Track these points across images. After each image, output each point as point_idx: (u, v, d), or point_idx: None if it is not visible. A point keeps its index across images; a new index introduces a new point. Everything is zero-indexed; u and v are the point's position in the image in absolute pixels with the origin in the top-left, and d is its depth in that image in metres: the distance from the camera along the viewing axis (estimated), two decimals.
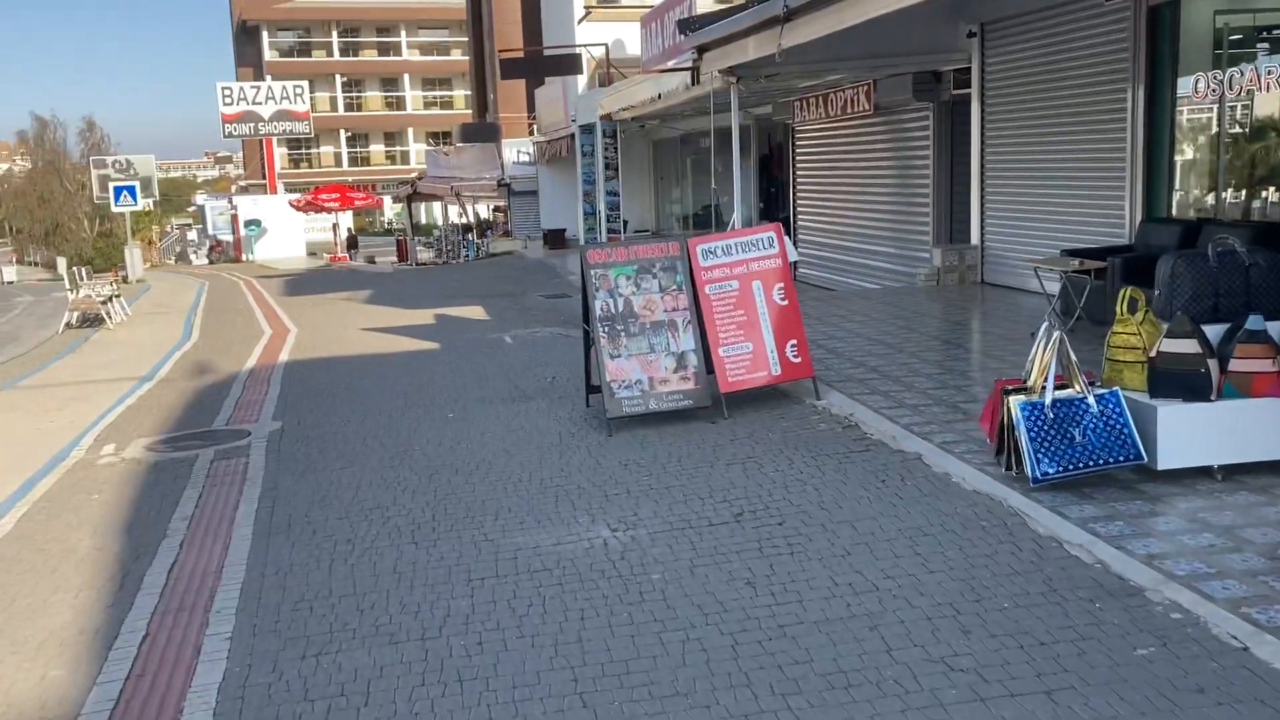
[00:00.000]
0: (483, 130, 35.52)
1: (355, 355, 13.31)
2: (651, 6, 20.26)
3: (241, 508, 6.77)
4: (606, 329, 8.07)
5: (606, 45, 22.62)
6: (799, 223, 21.08)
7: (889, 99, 16.06)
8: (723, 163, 27.90)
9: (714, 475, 6.73)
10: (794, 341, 8.25)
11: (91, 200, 69.37)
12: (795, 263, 7.94)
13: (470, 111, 73.80)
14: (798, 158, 20.75)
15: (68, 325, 19.45)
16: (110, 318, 19.47)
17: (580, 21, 28.60)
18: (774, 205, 24.48)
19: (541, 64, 25.66)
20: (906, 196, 16.16)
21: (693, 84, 14.55)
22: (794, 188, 21.30)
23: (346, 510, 6.55)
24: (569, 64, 23.92)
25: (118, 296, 21.20)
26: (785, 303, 8.28)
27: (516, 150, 34.09)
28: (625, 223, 29.02)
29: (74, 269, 20.47)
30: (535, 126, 31.84)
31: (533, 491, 6.68)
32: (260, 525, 6.39)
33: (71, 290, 19.22)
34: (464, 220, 40.76)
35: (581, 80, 28.24)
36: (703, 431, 7.81)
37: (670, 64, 13.86)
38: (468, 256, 35.00)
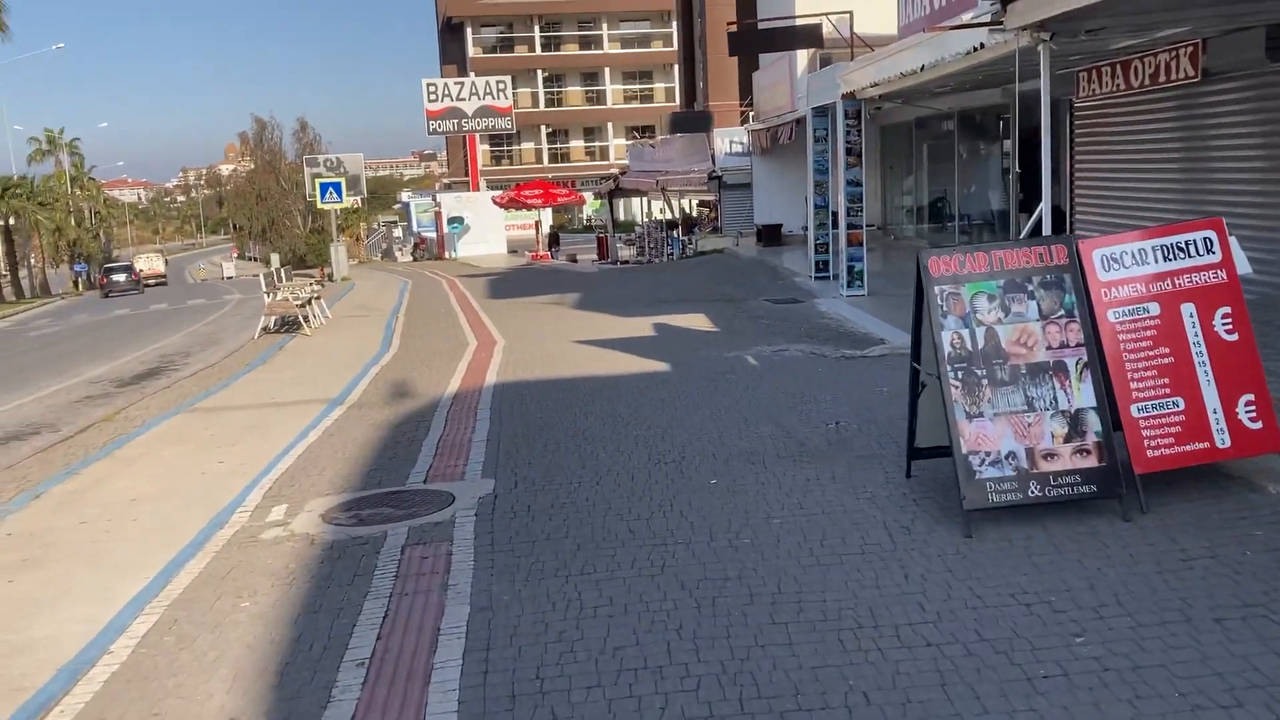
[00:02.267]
0: (693, 119, 33.24)
1: (572, 378, 11.15)
2: None
3: (442, 649, 4.53)
4: (960, 374, 5.48)
5: (850, 13, 19.83)
6: (1077, 218, 17.81)
7: (1225, 61, 12.73)
8: (968, 148, 24.77)
9: (1203, 638, 4.06)
10: (1250, 397, 5.44)
11: (304, 198, 71.38)
12: (1245, 276, 5.11)
13: (672, 104, 72.11)
14: (1078, 139, 17.46)
15: (264, 330, 18.23)
16: (308, 322, 18.14)
17: (785, 18, 25.94)
18: (1035, 194, 21.19)
19: (774, 37, 23.04)
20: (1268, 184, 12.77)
21: (978, 47, 11.68)
22: (1071, 175, 18.03)
23: (598, 672, 4.22)
24: (807, 35, 21.22)
25: (317, 298, 19.95)
26: (1234, 338, 5.47)
27: (728, 140, 31.65)
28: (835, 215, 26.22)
29: (272, 271, 19.30)
30: (751, 114, 29.32)
31: (892, 656, 4.17)
32: (469, 694, 4.14)
33: (269, 293, 17.97)
34: (668, 216, 38.73)
35: (801, 61, 25.56)
36: (1120, 537, 5.13)
37: (963, 18, 11.10)
38: (673, 254, 32.88)
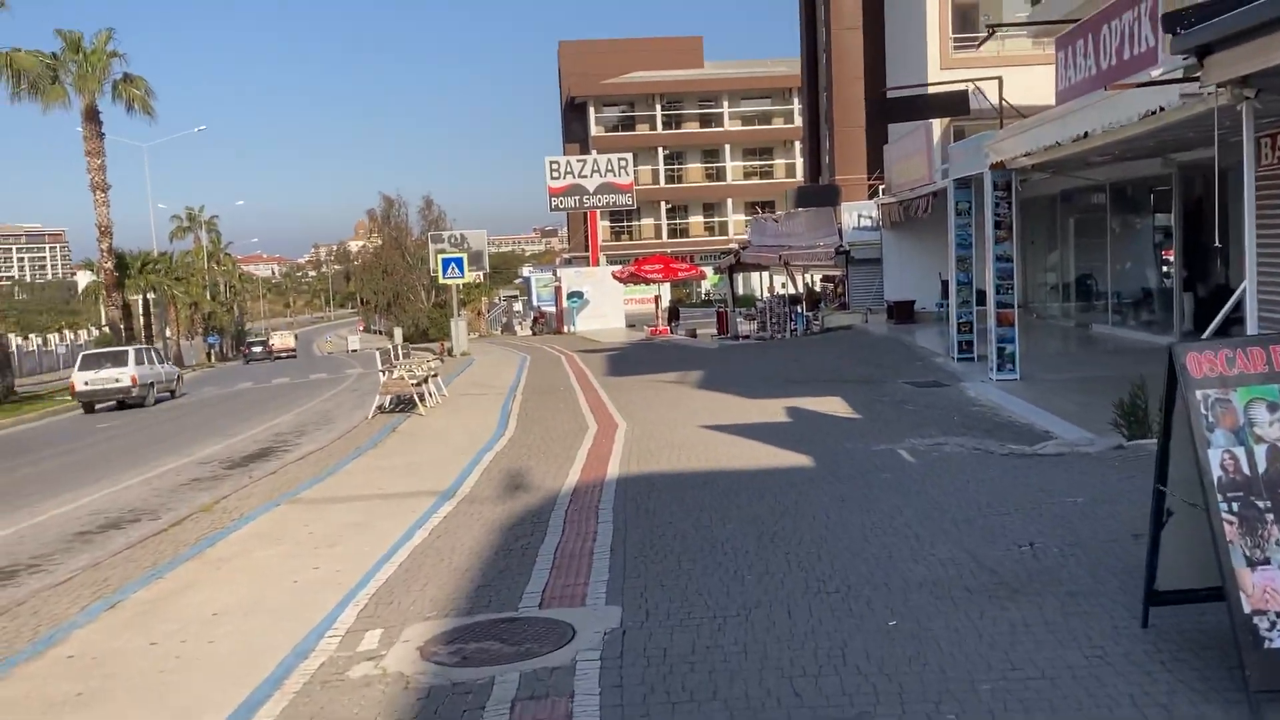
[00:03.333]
0: (820, 193, 32.24)
1: (703, 472, 10.03)
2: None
3: None
4: (1236, 506, 4.19)
5: (1000, 78, 18.59)
6: (1262, 298, 16.07)
7: None
8: (1121, 222, 23.08)
9: None
10: None
11: (428, 273, 72.59)
12: None
13: (792, 179, 71.36)
14: (1263, 211, 15.80)
15: (379, 409, 17.63)
16: (423, 401, 17.47)
17: (940, 69, 24.85)
18: (1201, 273, 19.42)
19: (917, 105, 21.93)
20: None
21: (1157, 110, 10.33)
22: (1252, 253, 16.31)
23: None
24: (952, 103, 20.06)
25: (434, 376, 19.34)
26: None
27: (856, 214, 30.53)
28: (979, 293, 24.70)
29: (389, 348, 18.76)
30: (881, 187, 28.19)
31: None
32: None
33: (384, 372, 17.38)
34: (790, 290, 37.60)
35: (935, 132, 24.40)
36: None
37: (1152, 73, 9.81)
38: (795, 330, 31.67)
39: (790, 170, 74.45)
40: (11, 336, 68.21)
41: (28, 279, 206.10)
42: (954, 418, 12.89)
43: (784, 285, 38.58)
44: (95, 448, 18.69)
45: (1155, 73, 9.48)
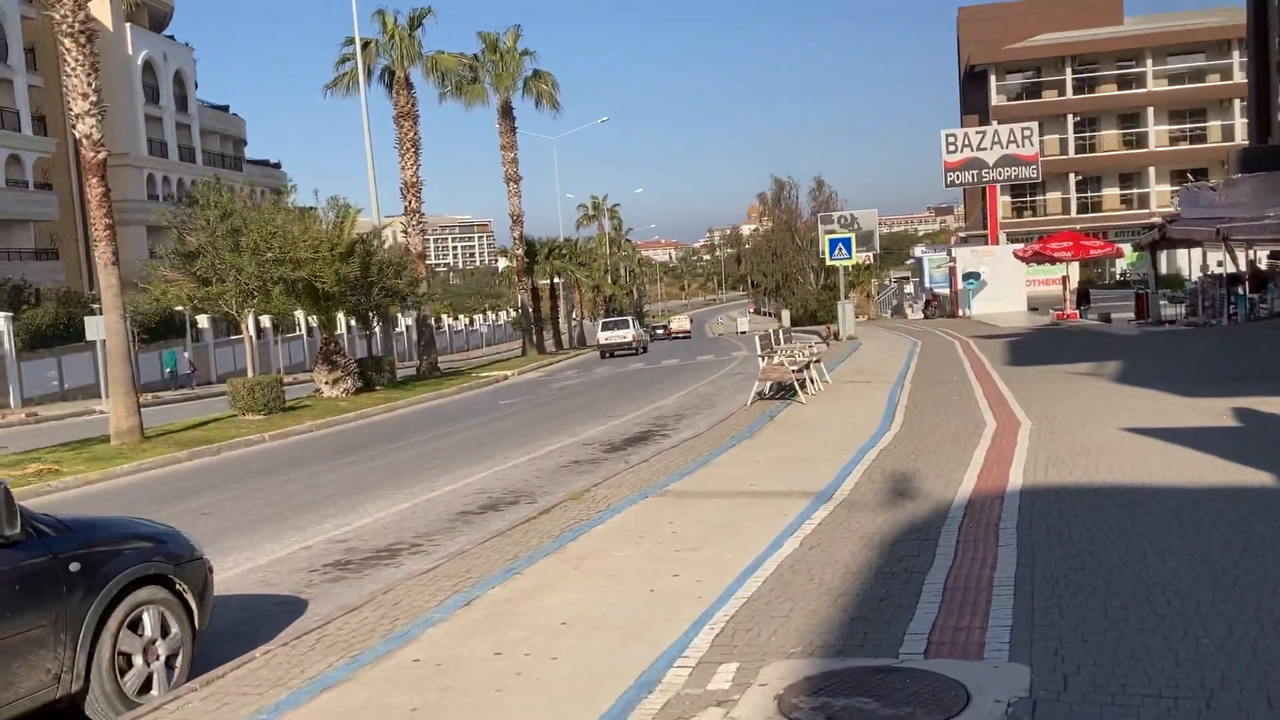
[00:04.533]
0: (1272, 156, 27.72)
1: (1130, 487, 8.34)
2: None
3: None
4: None
5: None
6: None
7: None
8: None
9: None
10: None
11: (818, 255, 71.86)
12: None
13: (1229, 143, 63.05)
14: None
15: (759, 395, 17.01)
16: (804, 389, 16.62)
17: None
18: None
19: None
20: None
21: None
22: None
23: None
24: None
25: (817, 361, 18.45)
26: None
27: None
28: None
29: (770, 332, 18.08)
30: None
31: None
32: None
33: (764, 357, 16.69)
34: (1229, 269, 32.81)
35: None
36: None
37: None
38: (1235, 315, 27.50)
39: (1228, 133, 65.92)
40: (441, 318, 75.76)
41: (460, 265, 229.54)
42: None
43: (1220, 264, 33.80)
44: (498, 423, 19.61)
45: None
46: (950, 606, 5.73)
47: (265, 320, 48.36)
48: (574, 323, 72.91)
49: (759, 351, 16.74)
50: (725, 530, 8.08)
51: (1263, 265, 35.10)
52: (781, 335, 18.81)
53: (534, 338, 52.58)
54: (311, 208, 28.42)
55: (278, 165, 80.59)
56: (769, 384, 16.97)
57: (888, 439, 12.04)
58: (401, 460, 15.30)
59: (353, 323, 43.57)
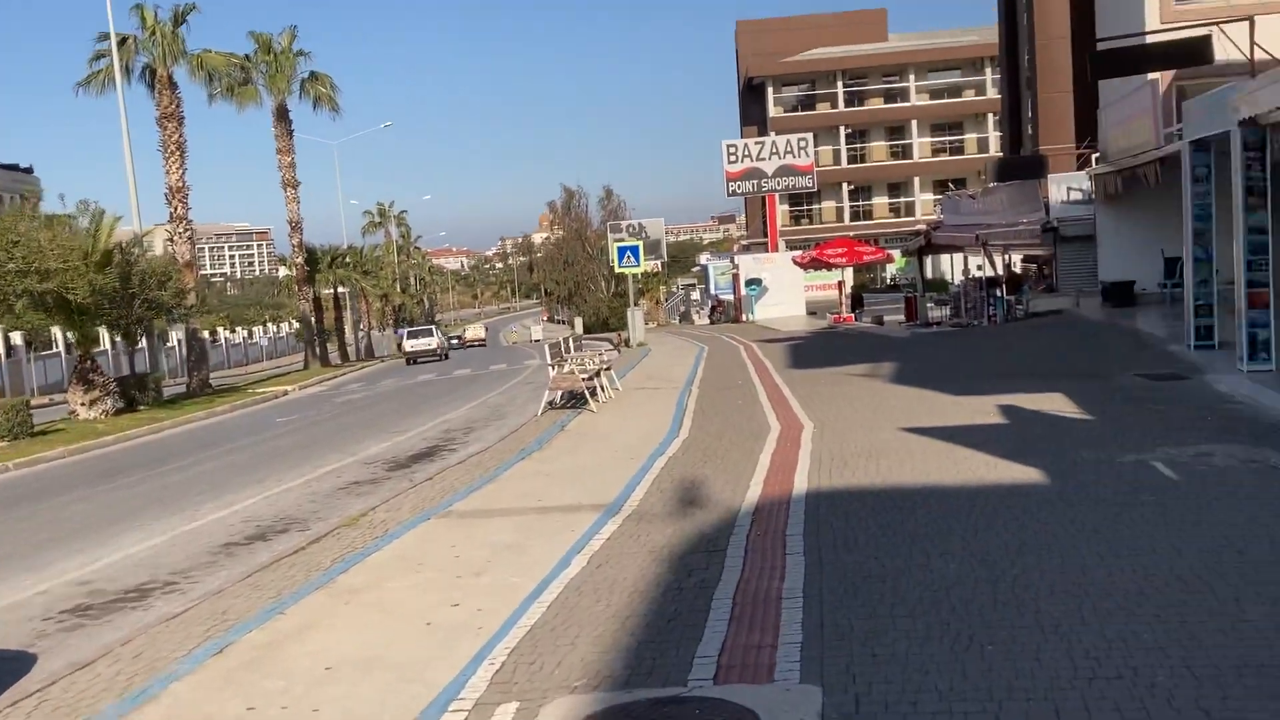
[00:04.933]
0: (1023, 165, 29.62)
1: (911, 488, 8.47)
2: None
3: None
4: None
5: (1251, 19, 15.99)
6: None
7: None
8: None
9: None
10: None
11: (608, 263, 72.40)
12: None
13: (985, 155, 67.47)
14: None
15: (550, 405, 16.69)
16: (595, 396, 16.42)
17: (1159, 28, 22.02)
18: None
19: (1150, 55, 19.32)
20: None
21: None
22: None
23: None
24: (1191, 51, 17.46)
25: (606, 369, 18.29)
26: None
27: (1065, 187, 27.85)
28: (1218, 272, 21.72)
29: (559, 341, 17.82)
30: (1095, 156, 25.54)
31: None
32: None
33: (553, 366, 16.38)
34: (987, 273, 34.95)
35: (1161, 89, 21.66)
36: None
37: None
38: (994, 316, 29.22)
39: (983, 145, 70.56)
40: (216, 331, 71.91)
41: (239, 275, 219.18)
42: (1207, 419, 10.86)
43: (980, 267, 35.93)
44: (272, 442, 18.48)
45: None
46: (740, 623, 5.54)
47: (16, 337, 44.40)
48: (361, 334, 70.65)
49: (548, 361, 16.38)
50: (511, 551, 7.69)
51: (1017, 269, 37.56)
52: (572, 343, 18.55)
53: (317, 350, 50.54)
54: (66, 215, 26.19)
55: (29, 170, 74.48)
56: (560, 393, 16.67)
57: (676, 445, 11.94)
58: (163, 487, 14.12)
59: (117, 338, 40.61)
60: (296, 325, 74.85)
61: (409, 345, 50.52)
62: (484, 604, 6.40)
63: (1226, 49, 16.25)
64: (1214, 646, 4.57)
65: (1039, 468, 8.74)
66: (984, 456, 9.45)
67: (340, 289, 60.39)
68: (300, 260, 49.79)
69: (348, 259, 60.24)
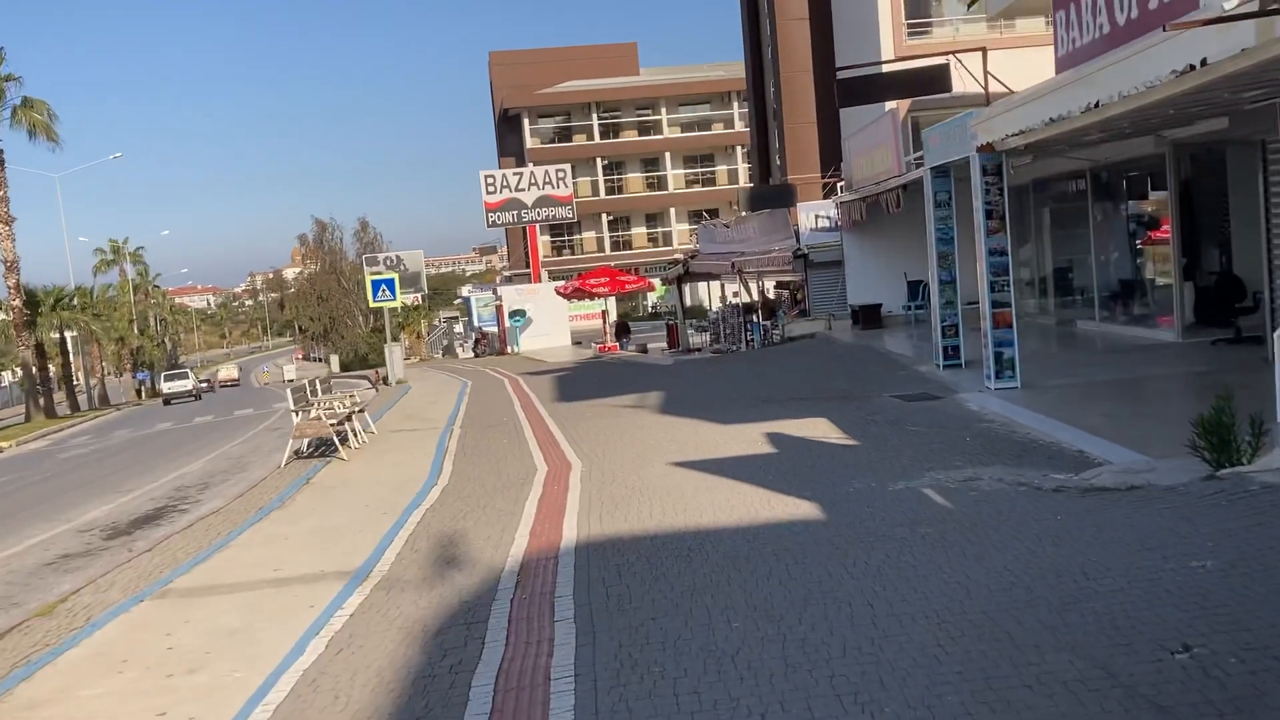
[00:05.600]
0: (774, 195, 30.35)
1: (686, 532, 7.94)
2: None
3: None
4: None
5: (984, 49, 16.73)
6: None
7: None
8: (1104, 210, 21.41)
9: None
10: None
11: (365, 297, 69.84)
12: None
13: (734, 186, 69.65)
14: None
15: (296, 454, 15.33)
16: (346, 443, 15.20)
17: (895, 59, 23.02)
18: (1201, 260, 17.83)
19: (891, 84, 19.98)
20: None
21: (1197, 65, 8.42)
22: (1269, 236, 14.70)
23: None
24: (931, 80, 18.13)
25: (360, 411, 17.07)
26: None
27: (813, 215, 28.70)
28: (924, 288, 23.00)
29: (304, 383, 16.48)
30: (841, 185, 26.45)
31: None
32: None
33: (297, 412, 15.03)
34: (744, 299, 35.75)
35: (899, 118, 22.58)
36: None
37: (1226, 5, 7.92)
38: (753, 341, 29.78)
39: (733, 176, 72.87)
40: None
41: None
42: (965, 439, 10.97)
43: (735, 294, 36.73)
44: None
45: (1228, 4, 7.57)
46: (502, 716, 4.76)
47: None
48: (95, 381, 64.97)
49: (292, 406, 14.99)
50: (236, 639, 6.60)
51: (771, 295, 38.65)
52: (320, 385, 17.20)
53: (40, 401, 45.97)
54: None
55: None
56: (307, 440, 15.35)
57: (435, 494, 11.02)
58: None
59: None
60: (20, 374, 68.22)
61: (166, 388, 56.97)
62: (197, 711, 5.34)
63: (963, 80, 16.99)
64: (1024, 708, 4.17)
65: (813, 500, 8.41)
66: (757, 491, 9.07)
67: (69, 333, 55.43)
68: (19, 304, 45.26)
69: (75, 300, 55.41)
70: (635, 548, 7.60)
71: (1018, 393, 13.79)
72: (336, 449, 14.81)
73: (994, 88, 16.32)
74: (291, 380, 66.43)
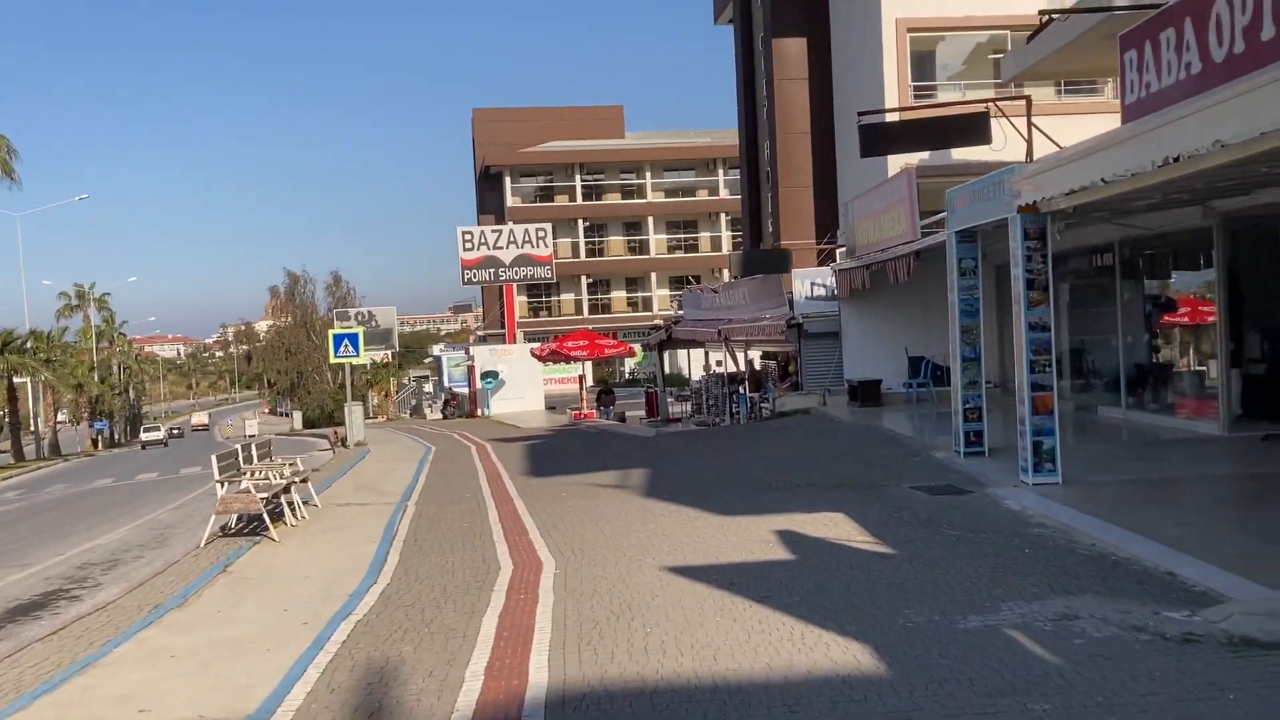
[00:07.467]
0: (769, 259, 28.61)
1: (693, 686, 5.88)
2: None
3: None
4: None
5: (1028, 97, 15.03)
6: None
7: None
8: (1132, 287, 19.74)
9: None
10: None
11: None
12: None
13: (718, 253, 68.26)
14: None
15: (222, 530, 13.15)
16: (280, 519, 13.05)
17: (920, 107, 21.47)
18: (1244, 346, 16.10)
19: (920, 131, 18.24)
20: None
21: None
22: None
23: None
24: (970, 128, 16.36)
25: (301, 481, 14.92)
26: None
27: (809, 282, 26.94)
28: (935, 369, 21.18)
29: (236, 449, 14.33)
30: (840, 251, 24.75)
31: None
32: None
33: (223, 483, 12.86)
34: (729, 368, 33.86)
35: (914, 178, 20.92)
36: None
37: None
38: (738, 414, 27.82)
39: (716, 243, 71.58)
40: None
41: None
42: (1023, 550, 9.00)
43: (719, 363, 34.84)
44: None
45: None
46: None
47: None
48: (45, 430, 62.04)
49: (217, 475, 12.81)
50: None
51: (757, 365, 36.81)
52: (255, 449, 15.04)
53: None
54: None
55: None
56: (235, 515, 13.18)
57: (373, 598, 8.89)
58: None
59: None
60: None
61: (144, 436, 68.60)
62: None
63: (1004, 132, 15.29)
64: None
65: (861, 640, 6.39)
66: (784, 621, 7.03)
67: (19, 378, 52.87)
68: None
69: (27, 344, 52.91)
70: (626, 705, 5.53)
71: (1060, 489, 11.89)
72: (267, 527, 12.62)
73: (1038, 142, 14.61)
74: (254, 435, 63.67)
